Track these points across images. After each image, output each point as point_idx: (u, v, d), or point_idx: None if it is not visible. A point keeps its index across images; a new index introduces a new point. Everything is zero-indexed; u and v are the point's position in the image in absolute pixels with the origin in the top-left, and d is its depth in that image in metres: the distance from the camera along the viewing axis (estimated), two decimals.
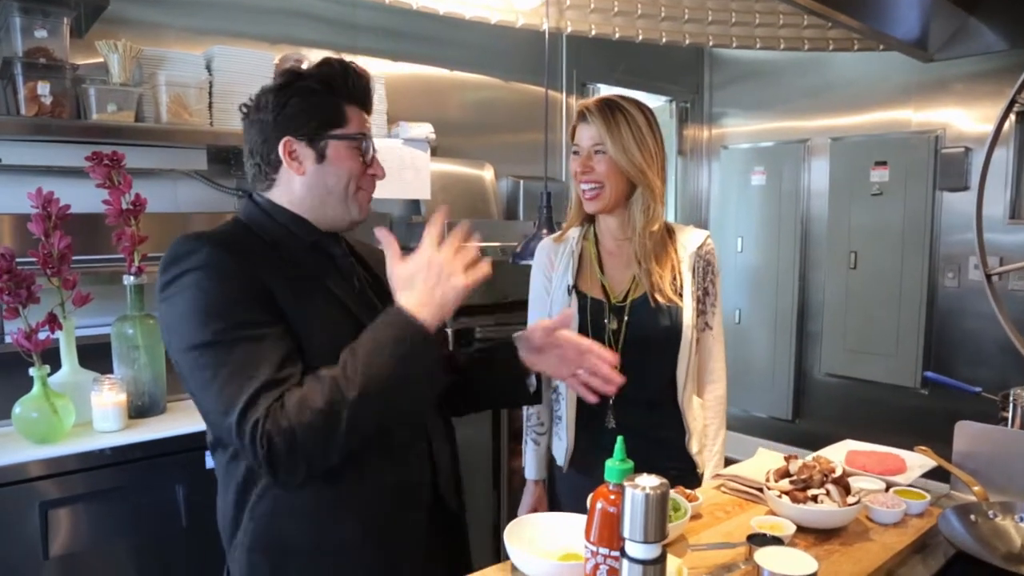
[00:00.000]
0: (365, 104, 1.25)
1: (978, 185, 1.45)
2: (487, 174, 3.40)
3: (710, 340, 1.74)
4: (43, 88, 1.96)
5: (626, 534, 0.83)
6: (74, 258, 1.93)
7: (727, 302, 4.68)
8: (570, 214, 1.74)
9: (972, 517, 1.29)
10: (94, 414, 1.84)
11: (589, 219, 1.73)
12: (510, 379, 1.37)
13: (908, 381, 3.83)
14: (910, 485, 1.46)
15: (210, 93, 2.33)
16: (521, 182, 3.56)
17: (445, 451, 1.29)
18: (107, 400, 1.83)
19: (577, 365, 1.31)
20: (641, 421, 1.66)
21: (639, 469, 1.65)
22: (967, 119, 3.64)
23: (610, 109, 1.60)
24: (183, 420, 1.97)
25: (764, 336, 4.44)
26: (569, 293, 1.66)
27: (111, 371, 1.95)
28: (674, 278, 1.67)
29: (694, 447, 1.69)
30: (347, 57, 2.95)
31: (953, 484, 1.52)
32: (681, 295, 1.65)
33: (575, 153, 1.64)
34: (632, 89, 4.40)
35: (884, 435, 3.79)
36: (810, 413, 4.33)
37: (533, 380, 1.37)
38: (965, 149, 3.61)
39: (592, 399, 1.32)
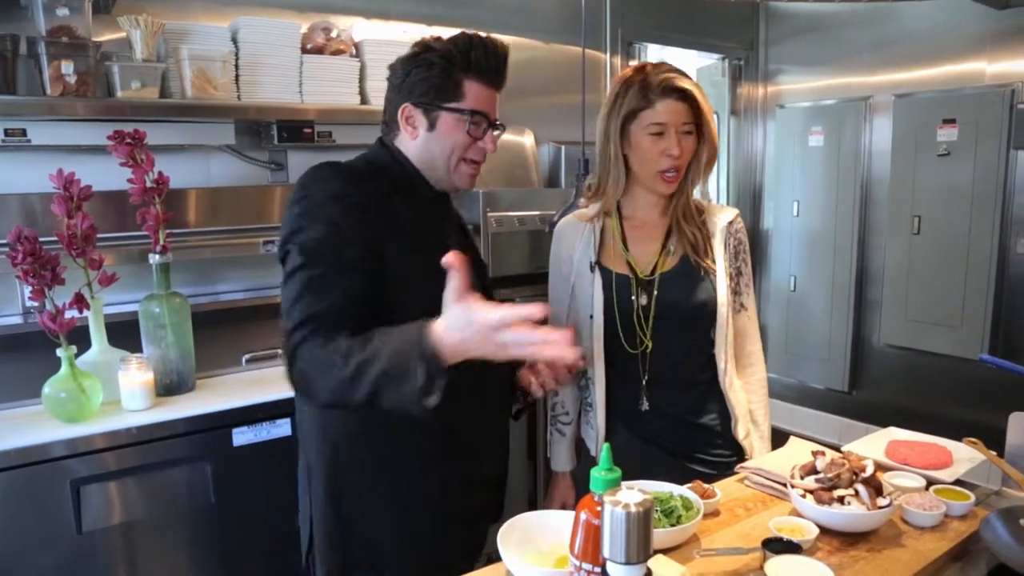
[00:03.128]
0: (490, 79, 1.34)
1: None
2: (527, 140, 3.31)
3: (745, 321, 1.67)
4: (67, 67, 1.96)
5: (606, 554, 0.77)
6: (103, 236, 1.95)
7: (781, 268, 4.50)
8: (609, 191, 1.60)
9: (1021, 522, 1.18)
10: (122, 393, 1.86)
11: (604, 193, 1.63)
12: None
13: (973, 354, 3.60)
14: (955, 482, 1.35)
15: (236, 66, 2.30)
16: (563, 148, 3.45)
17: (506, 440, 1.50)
18: (134, 379, 1.85)
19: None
20: (678, 404, 1.60)
21: (682, 457, 1.62)
22: None
23: (698, 88, 1.54)
24: (211, 398, 1.98)
25: (820, 304, 4.25)
26: (592, 270, 1.58)
27: (140, 348, 1.98)
28: (708, 248, 1.60)
29: (740, 432, 1.62)
30: (379, 23, 2.90)
31: (1004, 480, 1.41)
32: (715, 264, 1.58)
33: (657, 134, 1.51)
34: (683, 48, 4.21)
35: (946, 410, 3.63)
36: (868, 385, 4.14)
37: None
38: None
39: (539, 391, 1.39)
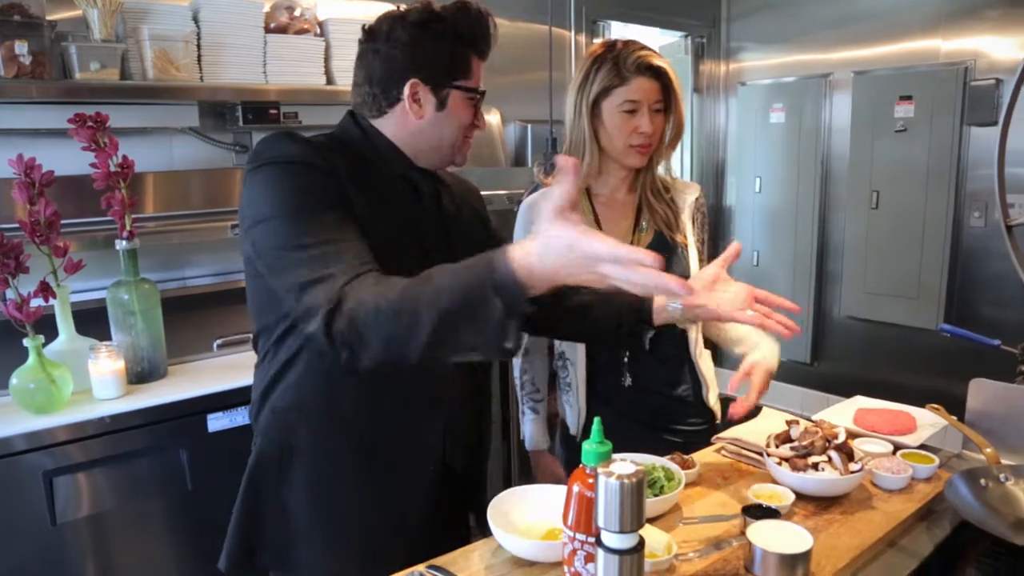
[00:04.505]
0: (486, 53, 1.24)
1: (1001, 128, 1.35)
2: (493, 119, 3.30)
3: None
4: (21, 47, 1.89)
5: (601, 523, 0.80)
6: (67, 222, 1.90)
7: (744, 244, 4.57)
8: (583, 170, 1.57)
9: (982, 481, 1.24)
10: (93, 382, 1.83)
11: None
12: (630, 311, 1.36)
13: (930, 324, 3.73)
14: (919, 447, 1.41)
15: (198, 46, 2.25)
16: (529, 127, 3.45)
17: (463, 417, 1.32)
18: (105, 368, 1.82)
19: (748, 305, 1.28)
20: (656, 377, 1.63)
21: (657, 428, 1.66)
22: (1001, 47, 3.43)
23: (670, 66, 1.54)
24: (184, 384, 1.96)
25: (783, 278, 4.35)
26: None
27: (109, 336, 1.94)
28: (679, 224, 1.63)
29: (712, 398, 1.68)
30: (342, 1, 2.83)
31: (965, 443, 1.47)
32: (687, 238, 1.62)
33: (630, 111, 1.51)
34: (646, 25, 4.22)
35: (905, 378, 3.76)
36: (829, 356, 4.26)
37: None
38: (996, 81, 3.42)
39: (785, 333, 1.26)
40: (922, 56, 3.69)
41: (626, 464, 0.80)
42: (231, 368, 2.10)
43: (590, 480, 0.87)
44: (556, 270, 0.86)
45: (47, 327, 1.82)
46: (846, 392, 1.78)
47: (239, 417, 1.96)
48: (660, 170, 1.65)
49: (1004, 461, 1.33)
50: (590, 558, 0.87)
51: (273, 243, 1.06)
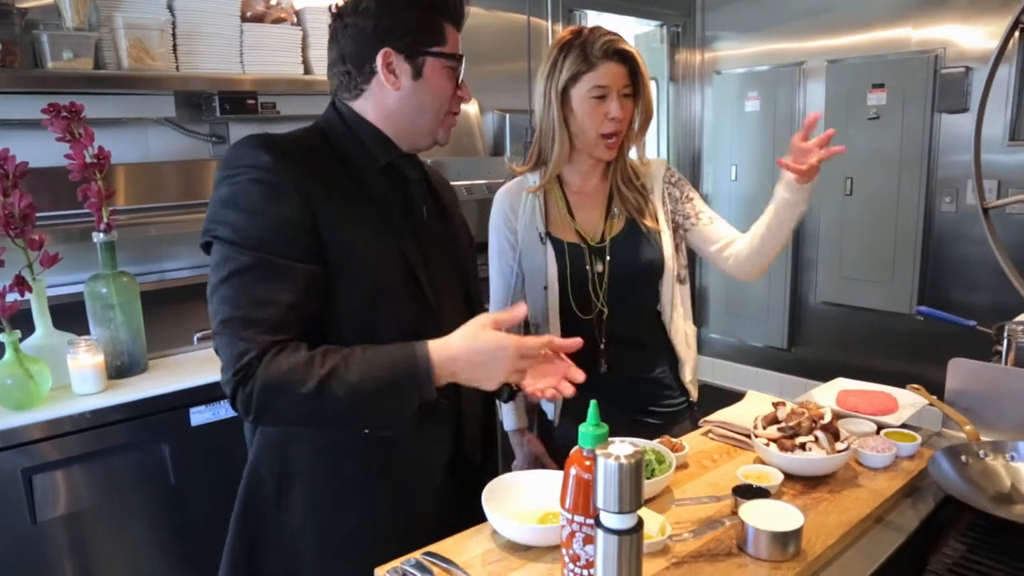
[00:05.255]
0: (460, 22, 1.21)
1: (977, 114, 1.37)
2: (472, 109, 3.29)
3: (718, 228, 1.71)
4: None
5: (600, 504, 0.80)
6: (41, 215, 1.86)
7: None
8: (554, 159, 1.58)
9: (963, 458, 1.27)
10: (72, 377, 1.80)
11: (546, 161, 1.61)
12: None
13: (904, 308, 3.80)
14: (902, 426, 1.43)
15: (174, 35, 2.21)
16: (507, 116, 3.45)
17: (476, 413, 1.31)
18: (84, 362, 1.79)
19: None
20: (633, 361, 1.64)
21: (639, 411, 1.67)
22: (969, 36, 3.49)
23: (636, 51, 1.54)
24: (166, 378, 1.93)
25: None
26: (543, 241, 1.60)
27: (88, 330, 1.91)
28: (650, 209, 1.64)
29: (687, 375, 1.69)
30: None
31: (944, 422, 1.50)
32: (658, 222, 1.64)
33: (599, 97, 1.51)
34: (621, 14, 4.23)
35: (880, 362, 3.82)
36: (806, 341, 4.32)
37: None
38: (966, 69, 3.48)
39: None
40: (893, 45, 3.74)
41: (624, 445, 0.81)
42: (213, 360, 2.03)
43: (587, 463, 0.87)
44: (472, 364, 1.05)
45: (23, 322, 1.79)
46: (823, 376, 1.81)
47: (222, 410, 1.95)
48: (632, 154, 1.66)
49: (983, 438, 1.36)
50: (589, 540, 0.87)
51: (212, 272, 1.06)
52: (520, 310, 1.11)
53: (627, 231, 1.61)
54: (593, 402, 0.89)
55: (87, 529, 1.77)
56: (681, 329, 1.68)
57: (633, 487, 0.79)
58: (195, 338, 2.21)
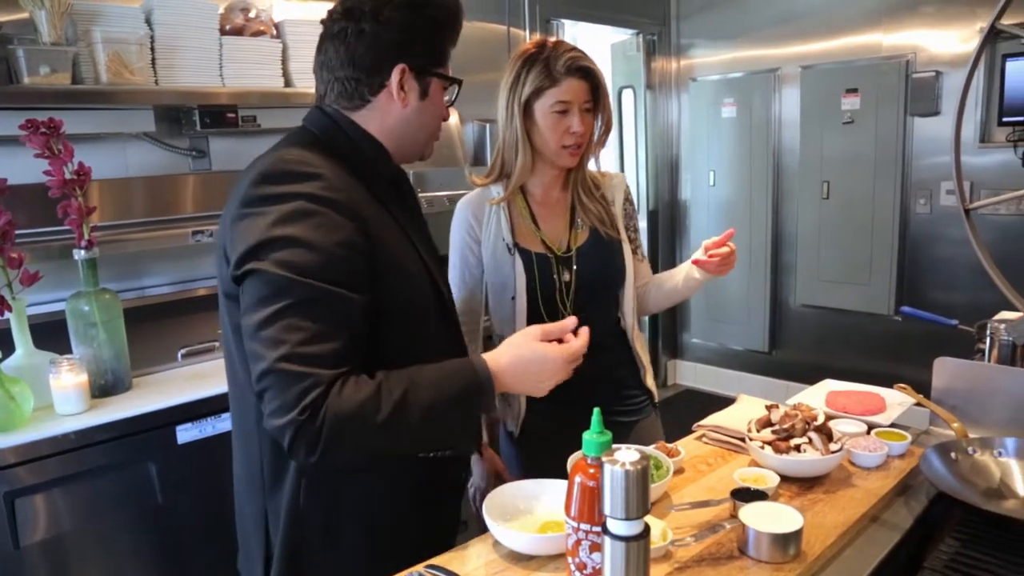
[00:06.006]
0: (455, 44, 1.20)
1: (956, 119, 1.40)
2: (452, 119, 3.29)
3: (647, 267, 1.81)
4: None
5: (607, 511, 0.80)
6: (20, 232, 1.83)
7: (700, 237, 4.63)
8: (517, 171, 1.58)
9: (952, 455, 1.29)
10: (54, 397, 1.76)
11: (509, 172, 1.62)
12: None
13: (882, 309, 3.86)
14: (891, 425, 1.45)
15: (152, 49, 2.19)
16: (487, 126, 3.45)
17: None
18: (67, 382, 1.76)
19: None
20: (597, 366, 1.63)
21: (601, 412, 1.66)
22: (938, 41, 3.57)
23: (597, 66, 1.57)
24: (151, 396, 1.90)
25: (738, 270, 4.36)
26: (511, 252, 1.60)
27: (70, 349, 1.88)
28: (612, 219, 1.68)
29: (648, 380, 1.74)
30: (297, 2, 2.79)
31: (932, 419, 1.52)
32: (619, 232, 1.68)
33: (561, 112, 1.53)
34: (598, 23, 4.27)
35: (861, 363, 3.87)
36: (787, 344, 4.37)
37: None
38: (936, 73, 3.55)
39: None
40: (865, 50, 3.81)
41: (630, 452, 0.81)
42: (198, 377, 2.05)
43: (591, 470, 0.88)
44: (525, 376, 1.09)
45: (3, 342, 1.76)
46: (805, 379, 1.84)
47: (209, 427, 1.92)
48: (590, 166, 1.69)
49: (971, 434, 1.38)
50: (595, 547, 0.87)
51: (259, 305, 0.97)
52: (570, 321, 1.13)
53: (592, 241, 1.64)
54: (597, 410, 0.89)
55: (72, 553, 1.73)
56: (639, 336, 1.73)
57: (640, 493, 0.80)
58: (179, 355, 2.18)
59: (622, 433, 1.62)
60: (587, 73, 1.54)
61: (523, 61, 1.55)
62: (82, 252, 1.84)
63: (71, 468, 1.71)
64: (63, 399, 1.77)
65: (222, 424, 1.94)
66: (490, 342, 1.71)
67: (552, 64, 1.52)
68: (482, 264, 1.63)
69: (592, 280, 1.62)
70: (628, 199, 1.76)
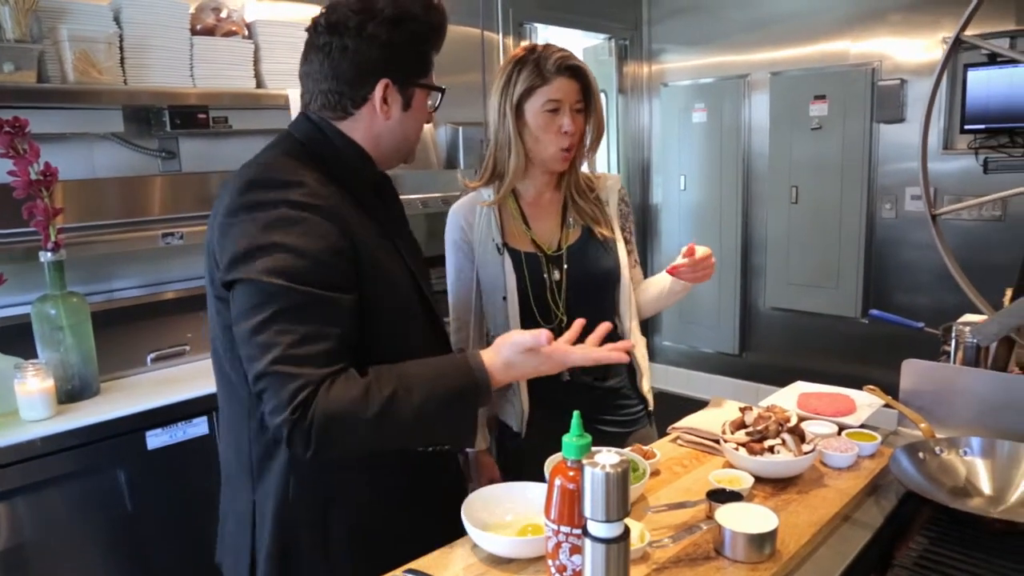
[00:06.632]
0: (439, 51, 1.21)
1: (923, 126, 1.44)
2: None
3: (639, 272, 1.80)
4: None
5: (587, 513, 0.81)
6: None
7: (671, 241, 4.70)
8: (510, 172, 1.59)
9: (920, 455, 1.31)
10: (20, 403, 1.72)
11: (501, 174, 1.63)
12: None
13: (850, 312, 3.93)
14: (861, 426, 1.48)
15: (121, 48, 2.15)
16: (460, 129, 3.45)
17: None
18: (32, 387, 1.72)
19: None
20: (593, 370, 1.65)
21: (596, 419, 1.68)
22: (903, 50, 3.65)
23: (587, 67, 1.58)
24: (120, 401, 1.87)
25: None
26: (500, 252, 1.60)
27: (35, 353, 1.84)
28: (605, 219, 1.68)
29: (645, 384, 1.71)
30: (268, 3, 2.76)
31: (900, 420, 1.55)
32: (613, 232, 1.68)
33: (552, 111, 1.53)
34: (570, 27, 4.29)
35: (829, 365, 3.94)
36: (757, 347, 4.42)
37: None
38: (901, 81, 3.63)
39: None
40: (833, 58, 3.88)
41: (610, 455, 0.82)
42: (168, 382, 2.02)
43: (571, 473, 0.88)
44: (522, 369, 1.14)
45: None
46: (774, 381, 1.86)
47: (180, 433, 1.90)
48: (584, 168, 1.69)
49: (937, 435, 1.42)
50: (575, 550, 0.88)
51: (250, 312, 1.00)
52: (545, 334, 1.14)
53: (583, 240, 1.63)
54: (576, 413, 0.89)
55: (37, 563, 1.70)
56: (638, 341, 1.71)
57: (620, 495, 0.80)
58: (149, 359, 2.15)
59: (616, 444, 1.58)
60: (577, 72, 1.55)
61: (514, 63, 1.56)
62: (49, 254, 1.80)
63: (37, 475, 1.68)
64: (28, 405, 1.73)
65: (193, 429, 1.92)
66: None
67: (542, 64, 1.53)
68: (476, 267, 1.63)
69: (583, 279, 1.61)
70: (624, 200, 1.74)
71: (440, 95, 1.22)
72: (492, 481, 1.70)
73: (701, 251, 1.56)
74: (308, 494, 1.13)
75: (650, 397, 1.74)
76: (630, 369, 1.70)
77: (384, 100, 1.13)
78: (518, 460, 1.70)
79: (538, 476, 1.21)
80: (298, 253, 1.00)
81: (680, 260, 1.57)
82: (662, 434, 1.58)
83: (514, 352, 1.11)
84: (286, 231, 1.01)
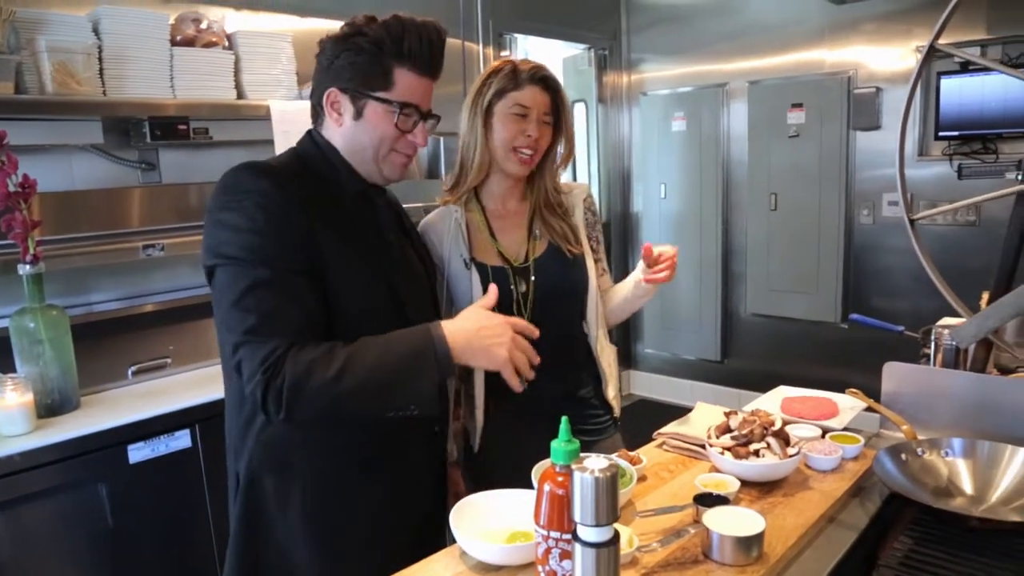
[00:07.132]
0: (424, 68, 1.26)
1: (900, 133, 1.46)
2: None
3: (608, 280, 1.79)
4: None
5: (577, 518, 0.81)
6: None
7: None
8: (470, 176, 1.60)
9: (903, 456, 1.33)
10: None
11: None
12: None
13: (829, 317, 3.97)
14: (845, 429, 1.50)
15: (100, 59, 2.14)
16: (441, 139, 3.45)
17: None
18: (11, 401, 1.70)
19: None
20: (558, 381, 1.62)
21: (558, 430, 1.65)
22: (877, 58, 3.72)
23: (560, 84, 1.61)
24: (100, 415, 1.85)
25: (690, 281, 4.52)
26: (468, 266, 1.60)
27: (13, 368, 1.81)
28: (574, 234, 1.67)
29: (610, 392, 1.70)
30: (249, 14, 2.77)
31: (882, 423, 1.57)
32: (580, 244, 1.67)
33: (520, 115, 1.55)
34: (550, 38, 4.32)
35: (810, 369, 3.97)
36: (738, 353, 4.45)
37: None
38: (876, 89, 3.69)
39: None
40: (810, 66, 3.94)
41: (599, 459, 0.82)
42: (150, 395, 2.00)
43: (560, 478, 0.88)
44: (479, 339, 1.16)
45: None
46: (756, 386, 1.87)
47: (162, 446, 1.88)
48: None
49: (919, 436, 1.43)
50: (565, 555, 0.88)
51: (226, 291, 1.13)
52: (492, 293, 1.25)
53: (550, 252, 1.63)
54: (565, 419, 0.90)
55: None
56: (605, 349, 1.71)
57: (609, 500, 0.81)
58: (129, 372, 2.12)
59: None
60: (549, 83, 1.57)
61: (491, 72, 1.59)
62: (27, 267, 1.79)
63: (16, 491, 1.65)
64: (7, 420, 1.71)
65: (175, 442, 1.90)
66: None
67: (518, 72, 1.56)
68: (445, 280, 1.62)
69: (551, 291, 1.61)
70: (590, 208, 1.74)
71: (401, 110, 1.23)
72: (458, 496, 1.66)
73: (664, 250, 1.54)
74: (271, 462, 1.22)
75: (616, 405, 1.73)
76: (597, 378, 1.70)
77: (334, 108, 1.25)
78: (475, 475, 1.68)
79: (487, 485, 1.25)
80: (263, 235, 1.12)
81: (642, 267, 1.57)
82: (630, 443, 1.58)
83: (469, 312, 1.20)
84: (251, 218, 1.12)
